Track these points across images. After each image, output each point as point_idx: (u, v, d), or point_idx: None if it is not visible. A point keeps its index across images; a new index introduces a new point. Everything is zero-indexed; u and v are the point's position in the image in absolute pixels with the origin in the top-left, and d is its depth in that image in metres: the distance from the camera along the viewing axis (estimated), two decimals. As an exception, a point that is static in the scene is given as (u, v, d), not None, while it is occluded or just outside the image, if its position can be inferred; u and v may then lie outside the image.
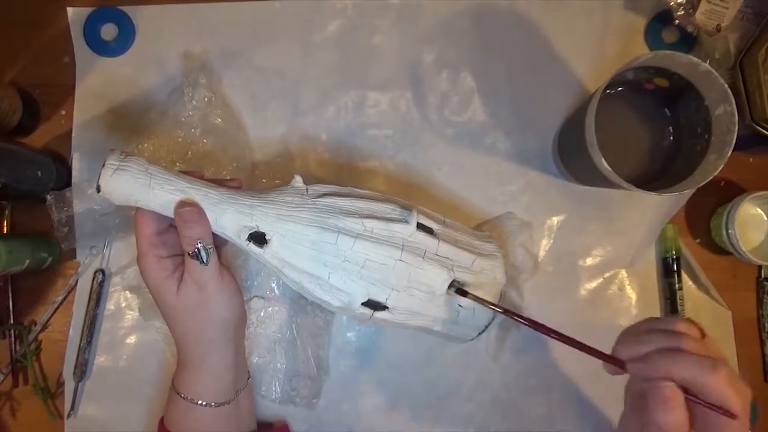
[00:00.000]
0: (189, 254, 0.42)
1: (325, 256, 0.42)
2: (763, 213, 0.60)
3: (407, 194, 0.59)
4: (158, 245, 0.44)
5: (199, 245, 0.42)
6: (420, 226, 0.45)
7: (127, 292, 0.58)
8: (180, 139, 0.58)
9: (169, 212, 0.42)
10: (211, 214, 0.42)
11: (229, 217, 0.42)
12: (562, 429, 0.58)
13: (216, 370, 0.47)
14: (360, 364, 0.58)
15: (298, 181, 0.45)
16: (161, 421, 0.49)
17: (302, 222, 0.42)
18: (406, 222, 0.44)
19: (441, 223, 0.47)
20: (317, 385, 0.57)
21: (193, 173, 0.44)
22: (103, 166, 0.40)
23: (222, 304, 0.45)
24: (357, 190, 0.46)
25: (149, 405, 0.58)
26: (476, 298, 0.44)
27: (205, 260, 0.42)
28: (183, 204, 0.41)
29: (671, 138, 0.54)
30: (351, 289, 0.43)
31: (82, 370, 0.57)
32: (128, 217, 0.58)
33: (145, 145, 0.58)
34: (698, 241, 0.61)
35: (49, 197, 0.57)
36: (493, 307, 0.43)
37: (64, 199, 0.57)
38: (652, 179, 0.53)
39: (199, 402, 0.46)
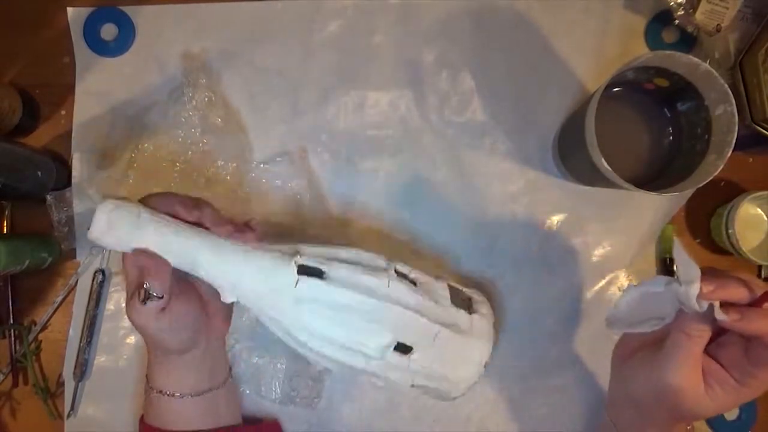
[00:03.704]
0: (145, 299, 0.43)
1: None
2: (763, 213, 0.60)
3: (407, 195, 0.59)
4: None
5: (146, 286, 0.42)
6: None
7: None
8: (180, 139, 0.58)
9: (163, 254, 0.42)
10: (221, 266, 0.42)
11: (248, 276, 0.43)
12: (563, 430, 0.58)
13: (186, 365, 0.48)
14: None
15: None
16: (141, 419, 0.50)
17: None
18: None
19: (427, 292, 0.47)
20: (319, 385, 0.57)
21: (203, 204, 0.44)
22: (96, 213, 0.41)
23: (166, 335, 0.45)
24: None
25: (149, 405, 0.58)
26: None
27: (143, 301, 0.42)
28: (139, 252, 0.42)
29: (671, 138, 0.54)
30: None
31: (82, 370, 0.57)
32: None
33: (146, 145, 0.58)
34: (698, 241, 0.61)
35: (49, 197, 0.57)
36: None
37: (64, 199, 0.57)
38: (652, 179, 0.53)
39: (177, 394, 0.47)
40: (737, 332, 0.39)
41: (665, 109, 0.54)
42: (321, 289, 0.42)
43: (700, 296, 0.38)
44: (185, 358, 0.47)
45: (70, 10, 0.60)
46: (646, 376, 0.43)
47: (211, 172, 0.57)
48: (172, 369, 0.48)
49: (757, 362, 0.39)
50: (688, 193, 0.58)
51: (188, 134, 0.58)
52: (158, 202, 0.43)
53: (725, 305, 0.38)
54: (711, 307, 0.38)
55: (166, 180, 0.58)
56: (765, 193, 0.57)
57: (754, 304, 0.38)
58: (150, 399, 0.49)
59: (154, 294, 0.42)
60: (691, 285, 0.38)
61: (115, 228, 0.40)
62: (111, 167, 0.59)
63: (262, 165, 0.59)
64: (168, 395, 0.47)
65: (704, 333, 0.40)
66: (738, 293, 0.38)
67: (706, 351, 0.41)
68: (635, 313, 0.43)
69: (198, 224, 0.44)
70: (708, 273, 0.39)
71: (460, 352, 0.46)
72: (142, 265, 0.42)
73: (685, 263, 0.38)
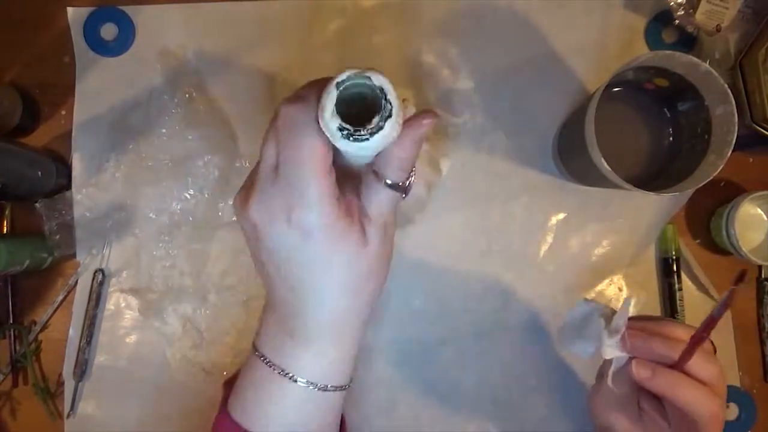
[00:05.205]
0: (391, 185, 0.31)
1: None
2: (763, 213, 0.60)
3: (407, 194, 0.59)
4: (331, 174, 0.31)
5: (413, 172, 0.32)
6: None
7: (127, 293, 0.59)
8: (165, 138, 0.58)
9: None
10: None
11: None
12: (563, 431, 0.58)
13: (353, 340, 0.36)
14: (360, 363, 0.58)
15: None
16: (222, 412, 0.37)
17: None
18: None
19: None
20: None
21: None
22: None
23: (383, 268, 0.33)
24: None
25: (149, 405, 0.58)
26: None
27: (407, 193, 0.32)
28: (428, 111, 0.31)
29: (671, 138, 0.54)
30: None
31: (82, 369, 0.57)
32: (125, 219, 0.58)
33: (130, 146, 0.59)
34: (698, 241, 0.60)
35: (38, 205, 0.56)
36: None
37: (54, 206, 0.57)
38: (652, 179, 0.53)
39: (301, 380, 0.34)
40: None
41: (665, 109, 0.54)
42: None
43: (623, 348, 0.40)
44: (356, 334, 0.35)
45: (70, 9, 0.60)
46: (594, 413, 0.45)
47: (198, 167, 0.58)
48: (331, 347, 0.34)
49: (672, 416, 0.41)
50: (688, 193, 0.58)
51: (172, 132, 0.58)
52: None
53: (646, 363, 0.40)
54: (629, 360, 0.40)
55: (155, 179, 0.58)
56: (765, 193, 0.57)
57: (674, 366, 0.39)
58: (253, 380, 0.36)
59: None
60: (610, 336, 0.40)
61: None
62: (105, 169, 0.59)
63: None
64: (289, 378, 0.34)
65: (628, 378, 0.41)
66: (658, 352, 0.39)
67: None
68: (571, 331, 0.44)
69: None
70: (640, 327, 0.40)
71: None
72: (422, 131, 0.31)
73: (621, 314, 0.40)
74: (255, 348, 0.36)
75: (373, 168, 0.31)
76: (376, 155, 0.31)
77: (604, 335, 0.40)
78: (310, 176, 0.30)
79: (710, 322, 0.37)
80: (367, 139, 0.28)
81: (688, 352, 0.38)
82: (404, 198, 0.32)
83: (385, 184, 0.31)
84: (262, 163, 0.32)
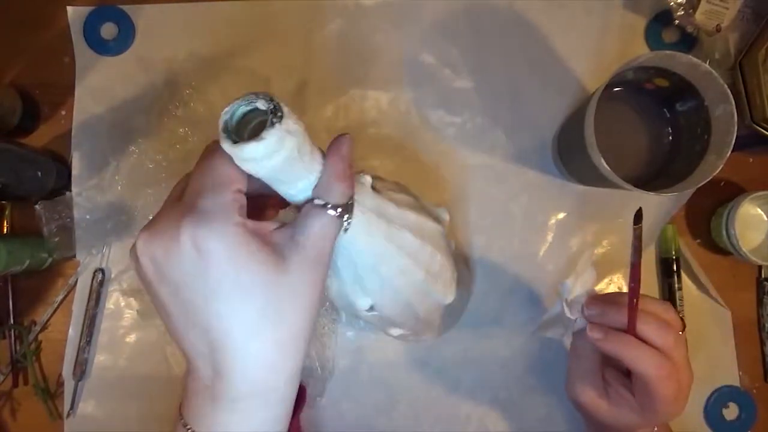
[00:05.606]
0: (326, 206, 0.29)
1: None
2: (763, 213, 0.60)
3: (407, 194, 0.59)
4: (237, 194, 0.29)
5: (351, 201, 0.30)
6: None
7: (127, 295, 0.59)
8: (164, 139, 0.58)
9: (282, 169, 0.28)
10: None
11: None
12: (562, 431, 0.58)
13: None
14: (360, 363, 0.58)
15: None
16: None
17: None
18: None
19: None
20: (321, 384, 0.57)
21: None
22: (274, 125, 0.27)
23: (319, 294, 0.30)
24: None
25: (149, 404, 0.58)
26: None
27: (348, 224, 0.31)
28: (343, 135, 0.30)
29: (671, 138, 0.54)
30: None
31: (81, 369, 0.57)
32: (125, 221, 0.58)
33: (131, 148, 0.59)
34: (698, 241, 0.60)
35: (37, 207, 0.56)
36: None
37: (54, 209, 0.57)
38: (651, 179, 0.53)
39: None
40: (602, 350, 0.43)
41: (665, 109, 0.54)
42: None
43: (581, 314, 0.44)
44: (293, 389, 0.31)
45: (70, 9, 0.60)
46: (568, 391, 0.47)
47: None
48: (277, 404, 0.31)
49: (635, 385, 0.43)
50: (688, 193, 0.58)
51: (172, 134, 0.58)
52: None
53: (600, 326, 0.43)
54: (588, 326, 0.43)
55: (155, 180, 0.58)
56: (765, 193, 0.57)
57: (627, 330, 0.41)
58: None
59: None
60: (572, 304, 0.44)
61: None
62: (105, 170, 0.59)
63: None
64: None
65: (589, 352, 0.44)
66: (611, 317, 0.42)
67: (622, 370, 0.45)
68: (550, 322, 0.48)
69: None
70: (598, 299, 0.44)
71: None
72: (346, 154, 0.31)
73: (584, 273, 0.44)
74: (180, 415, 0.32)
75: (312, 196, 0.30)
76: (314, 188, 0.30)
77: (565, 293, 0.44)
78: (210, 191, 0.28)
79: (632, 270, 0.41)
80: (264, 138, 0.26)
81: (631, 308, 0.41)
82: (346, 230, 0.31)
83: (321, 206, 0.29)
84: (167, 196, 0.31)
